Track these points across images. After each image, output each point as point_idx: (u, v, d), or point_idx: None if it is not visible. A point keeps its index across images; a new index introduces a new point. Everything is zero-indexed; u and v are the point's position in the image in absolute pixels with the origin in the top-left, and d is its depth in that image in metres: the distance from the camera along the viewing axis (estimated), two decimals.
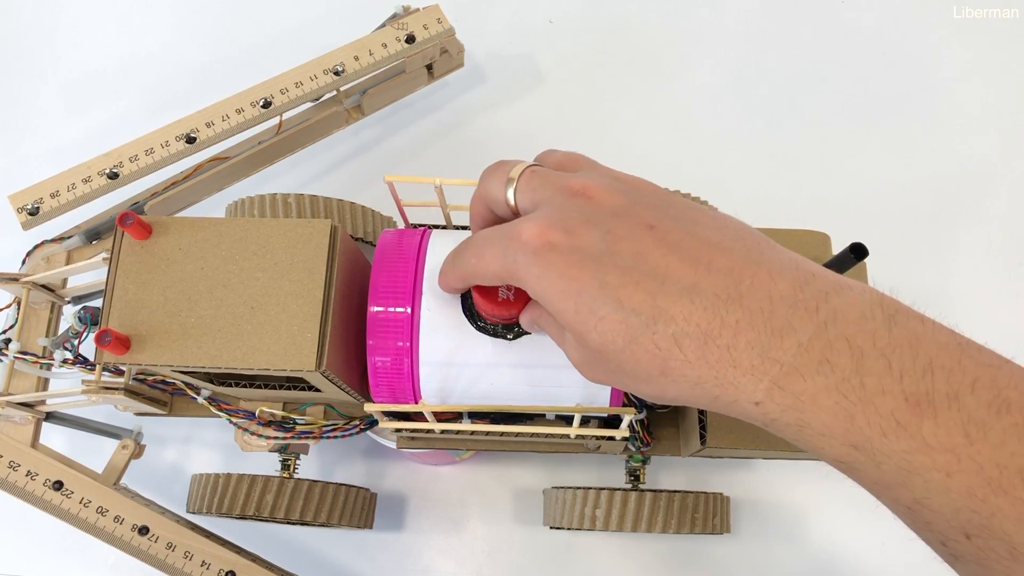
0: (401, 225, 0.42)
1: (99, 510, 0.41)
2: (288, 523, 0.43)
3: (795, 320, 0.22)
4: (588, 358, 0.27)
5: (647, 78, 0.62)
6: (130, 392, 0.41)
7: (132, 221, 0.35)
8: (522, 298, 0.31)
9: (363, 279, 0.39)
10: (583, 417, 0.36)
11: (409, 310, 0.35)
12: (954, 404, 0.20)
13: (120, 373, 0.41)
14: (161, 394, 0.44)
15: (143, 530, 0.41)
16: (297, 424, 0.43)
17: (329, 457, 0.53)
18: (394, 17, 0.52)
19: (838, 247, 0.39)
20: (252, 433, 0.42)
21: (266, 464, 0.48)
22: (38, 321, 0.44)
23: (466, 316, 0.35)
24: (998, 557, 0.19)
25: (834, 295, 0.23)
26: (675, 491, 0.43)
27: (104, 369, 0.40)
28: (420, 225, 0.41)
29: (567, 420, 0.39)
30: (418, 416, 0.37)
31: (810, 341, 0.22)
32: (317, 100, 0.51)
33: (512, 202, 0.29)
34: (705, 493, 0.43)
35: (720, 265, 0.24)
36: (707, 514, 0.43)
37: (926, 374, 0.21)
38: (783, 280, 0.23)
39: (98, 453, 0.44)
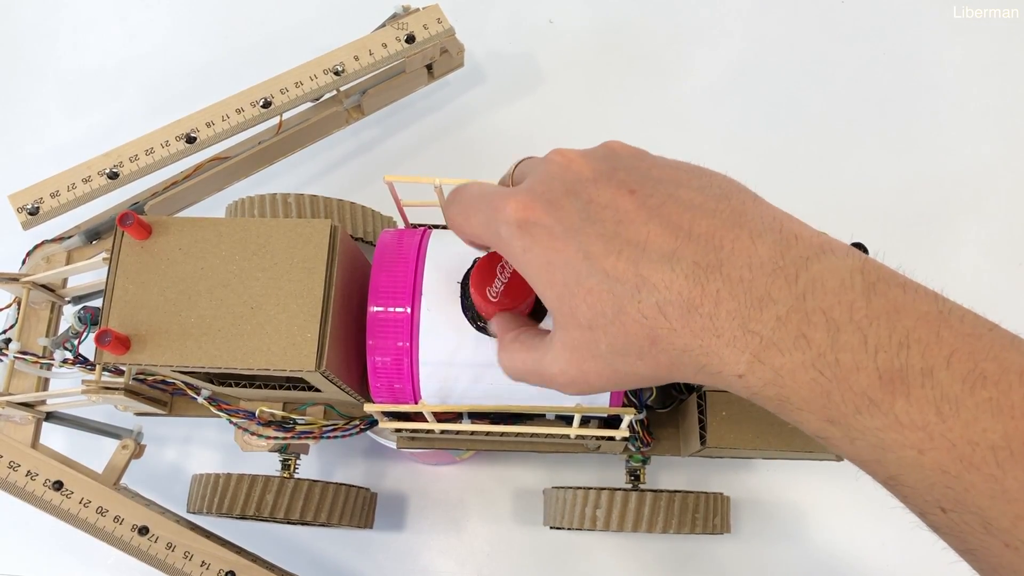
0: (401, 225, 0.42)
1: (99, 510, 0.41)
2: (288, 523, 0.43)
3: (774, 290, 0.22)
4: (576, 347, 0.26)
5: (647, 78, 0.62)
6: (130, 392, 0.41)
7: (132, 221, 0.35)
8: (521, 295, 0.31)
9: (363, 279, 0.39)
10: (583, 417, 0.36)
11: (409, 310, 0.35)
12: (928, 381, 0.20)
13: (120, 373, 0.41)
14: (161, 394, 0.44)
15: (143, 530, 0.41)
16: (297, 424, 0.43)
17: (329, 457, 0.53)
18: (394, 17, 0.52)
19: None
20: (252, 433, 0.42)
21: (266, 464, 0.48)
22: (38, 321, 0.44)
23: (466, 316, 0.35)
24: (972, 530, 0.19)
25: (815, 260, 0.22)
26: (675, 491, 0.43)
27: (104, 369, 0.40)
28: (420, 225, 0.41)
29: (567, 420, 0.39)
30: (418, 416, 0.37)
31: (788, 314, 0.22)
32: (317, 100, 0.51)
33: (510, 183, 0.30)
34: (705, 493, 0.43)
35: (701, 230, 0.23)
36: (707, 514, 0.43)
37: (902, 349, 0.20)
38: (764, 244, 0.23)
39: (98, 453, 0.44)
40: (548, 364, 0.27)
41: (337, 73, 0.49)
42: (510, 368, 0.29)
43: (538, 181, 0.27)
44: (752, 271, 0.22)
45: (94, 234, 0.46)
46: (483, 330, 0.34)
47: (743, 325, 0.22)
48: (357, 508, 0.45)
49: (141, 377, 0.42)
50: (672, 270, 0.23)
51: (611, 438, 0.38)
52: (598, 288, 0.24)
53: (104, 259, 0.41)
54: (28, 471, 0.41)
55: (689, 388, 0.42)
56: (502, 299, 0.31)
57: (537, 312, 0.32)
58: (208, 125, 0.47)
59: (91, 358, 0.42)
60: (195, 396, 0.42)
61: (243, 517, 0.42)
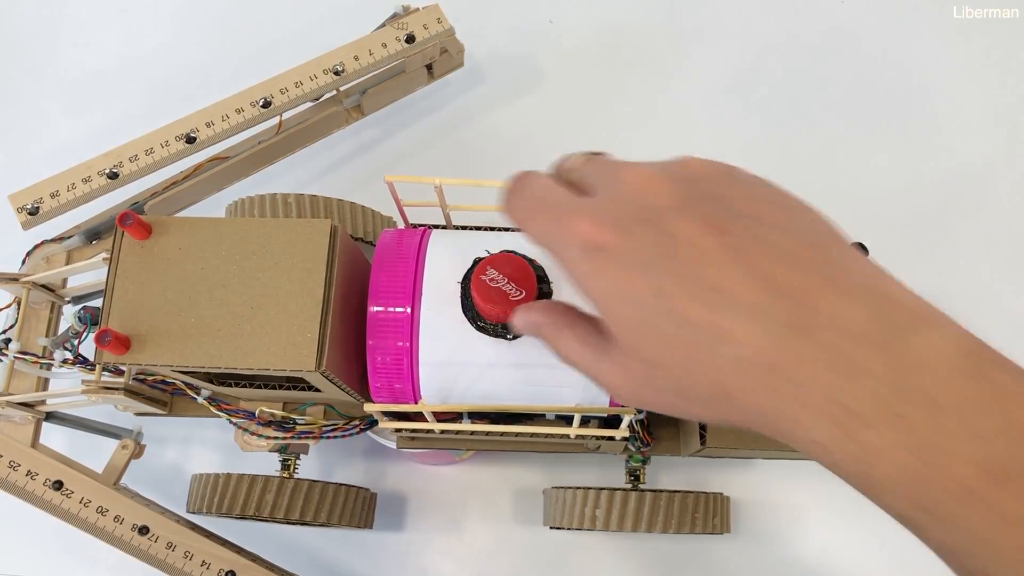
0: (401, 225, 0.42)
1: (99, 510, 0.41)
2: (288, 523, 0.43)
3: (869, 362, 0.20)
4: (636, 375, 0.24)
5: (647, 78, 0.62)
6: (130, 392, 0.41)
7: (132, 221, 0.35)
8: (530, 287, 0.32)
9: (363, 279, 0.39)
10: (583, 417, 0.36)
11: (409, 310, 0.35)
12: None
13: (120, 373, 0.41)
14: (161, 394, 0.44)
15: (143, 530, 0.41)
16: (297, 424, 0.43)
17: (329, 457, 0.53)
18: (394, 17, 0.52)
19: None
20: (252, 433, 0.42)
21: (266, 464, 0.48)
22: (38, 321, 0.44)
23: (466, 316, 0.35)
24: None
25: (913, 332, 0.21)
26: (675, 491, 0.43)
27: (104, 369, 0.40)
28: (420, 225, 0.41)
29: (567, 420, 0.39)
30: (418, 416, 0.37)
31: (884, 388, 0.20)
32: (317, 100, 0.51)
33: (571, 180, 0.27)
34: (705, 493, 0.43)
35: (788, 284, 0.22)
36: (707, 514, 0.43)
37: (1009, 441, 0.19)
38: (858, 309, 0.21)
39: (98, 453, 0.44)
40: (604, 372, 0.26)
41: (337, 73, 0.49)
42: (565, 358, 0.27)
43: (609, 200, 0.25)
44: (844, 337, 0.21)
45: (94, 234, 0.46)
46: (483, 330, 0.34)
47: (829, 395, 0.21)
48: (357, 508, 0.45)
49: (141, 377, 0.42)
50: (756, 325, 0.21)
51: (611, 438, 0.38)
52: (669, 331, 0.23)
53: (104, 259, 0.41)
54: (28, 471, 0.41)
55: None
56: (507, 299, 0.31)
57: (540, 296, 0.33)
58: (208, 125, 0.47)
59: (91, 358, 0.42)
60: (195, 396, 0.42)
61: (243, 517, 0.42)
